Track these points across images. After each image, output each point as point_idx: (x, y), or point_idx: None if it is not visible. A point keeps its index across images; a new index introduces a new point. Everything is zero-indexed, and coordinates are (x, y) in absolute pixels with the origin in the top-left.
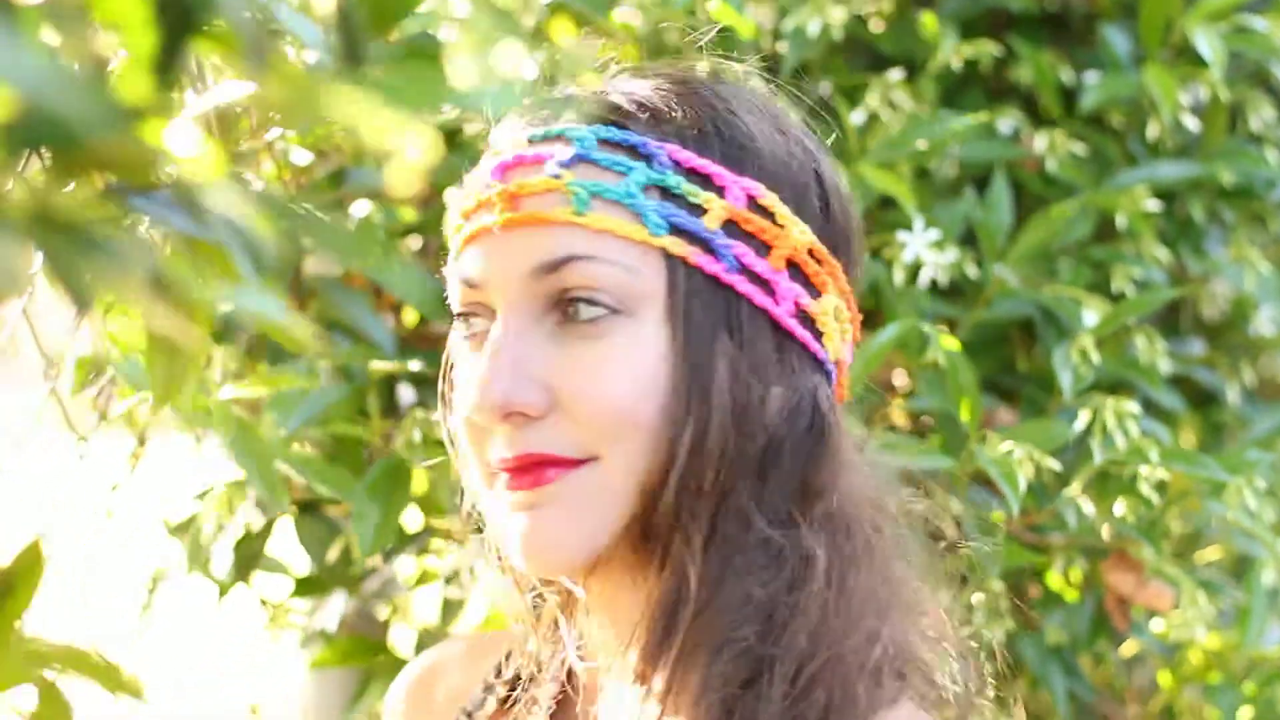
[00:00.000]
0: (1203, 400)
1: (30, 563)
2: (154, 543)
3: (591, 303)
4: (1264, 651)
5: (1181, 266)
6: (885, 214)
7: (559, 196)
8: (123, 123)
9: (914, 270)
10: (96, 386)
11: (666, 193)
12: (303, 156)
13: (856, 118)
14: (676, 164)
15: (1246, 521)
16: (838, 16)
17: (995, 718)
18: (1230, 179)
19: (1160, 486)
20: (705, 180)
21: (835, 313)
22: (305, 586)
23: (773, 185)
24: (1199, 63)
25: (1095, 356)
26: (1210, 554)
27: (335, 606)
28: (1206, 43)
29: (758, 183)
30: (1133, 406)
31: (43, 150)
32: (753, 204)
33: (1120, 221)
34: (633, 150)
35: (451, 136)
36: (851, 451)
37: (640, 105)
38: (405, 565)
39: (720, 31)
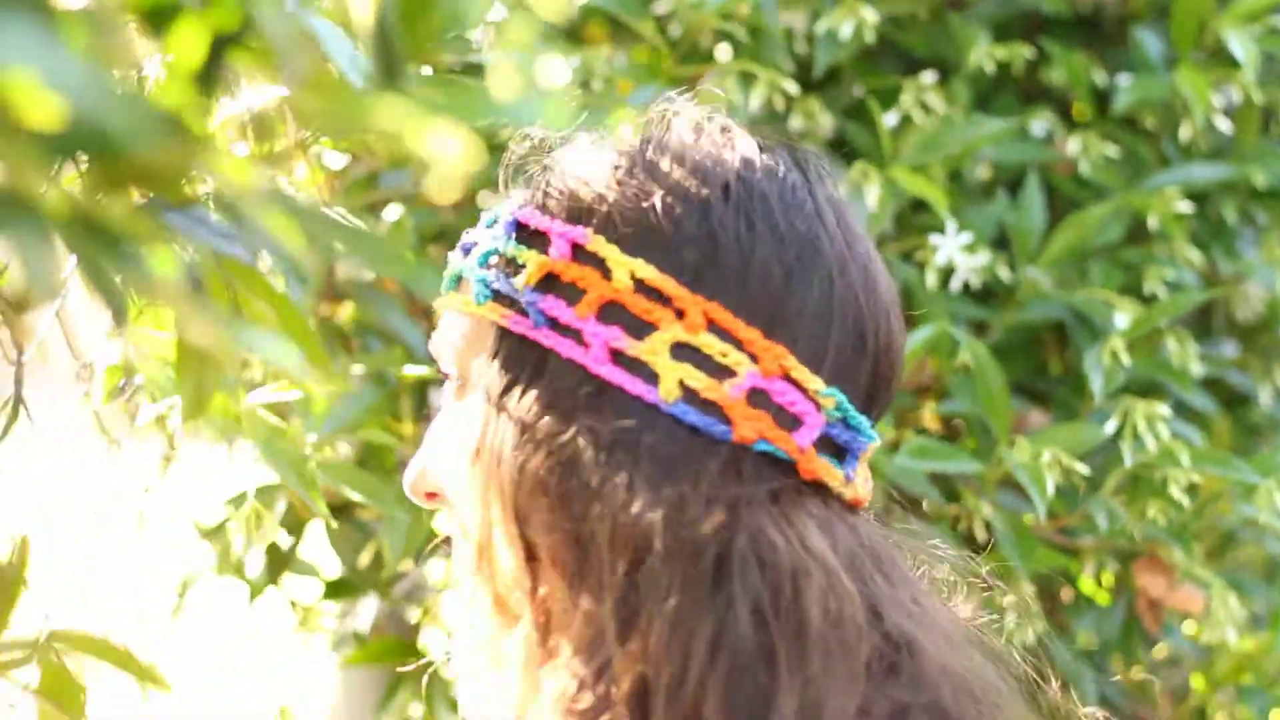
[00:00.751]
0: (1235, 403)
1: (20, 557)
2: (185, 546)
3: (450, 378)
4: None
5: (1214, 268)
6: (918, 217)
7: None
8: (163, 134)
9: (946, 273)
10: (128, 391)
11: (501, 258)
12: (337, 160)
13: (889, 121)
14: (519, 227)
15: (1278, 524)
16: (870, 19)
17: None
18: (1263, 180)
19: (1191, 489)
20: (536, 237)
21: (676, 349)
22: (335, 589)
23: (605, 228)
24: (1232, 64)
25: (1126, 359)
26: (1242, 556)
27: (367, 609)
28: (1239, 44)
29: (586, 228)
30: (1163, 409)
31: (80, 157)
32: (578, 252)
33: (1152, 223)
34: (496, 222)
35: (486, 140)
36: (729, 497)
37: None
38: (436, 569)
39: (753, 35)
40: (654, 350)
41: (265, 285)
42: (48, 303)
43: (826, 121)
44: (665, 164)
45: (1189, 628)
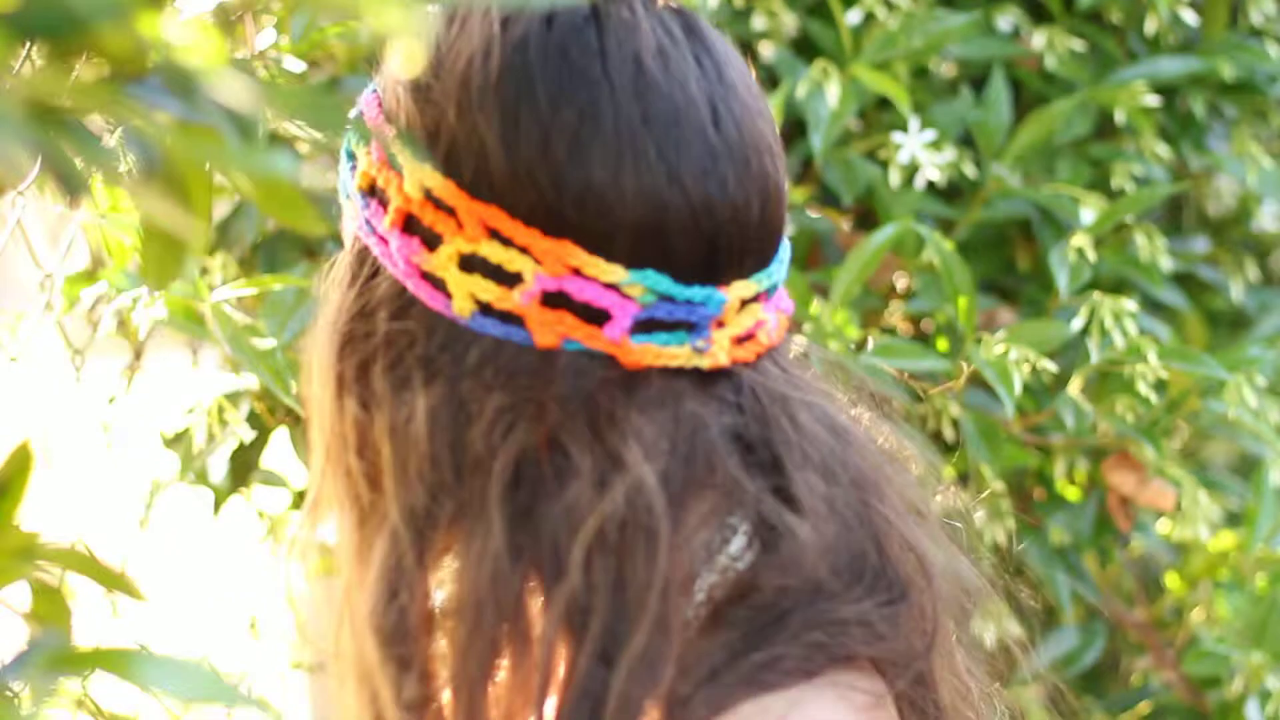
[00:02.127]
0: (1207, 297)
1: (21, 463)
2: (151, 456)
3: None
4: (1272, 552)
5: (1183, 163)
6: (881, 115)
7: None
8: (120, 9)
9: (910, 171)
10: (91, 300)
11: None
12: (296, 66)
13: (852, 17)
14: (362, 116)
15: (1248, 419)
16: None
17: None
18: (1231, 74)
19: (1160, 385)
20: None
21: (464, 261)
22: (303, 499)
23: (407, 131)
24: None
25: (1092, 254)
26: (1216, 453)
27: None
28: None
29: (393, 131)
30: (1130, 305)
31: (34, 43)
32: (383, 157)
33: (1120, 118)
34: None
35: None
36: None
37: None
38: None
39: None
40: (444, 265)
41: (233, 150)
42: (13, 188)
43: (789, 20)
44: (444, 63)
45: (1164, 526)
